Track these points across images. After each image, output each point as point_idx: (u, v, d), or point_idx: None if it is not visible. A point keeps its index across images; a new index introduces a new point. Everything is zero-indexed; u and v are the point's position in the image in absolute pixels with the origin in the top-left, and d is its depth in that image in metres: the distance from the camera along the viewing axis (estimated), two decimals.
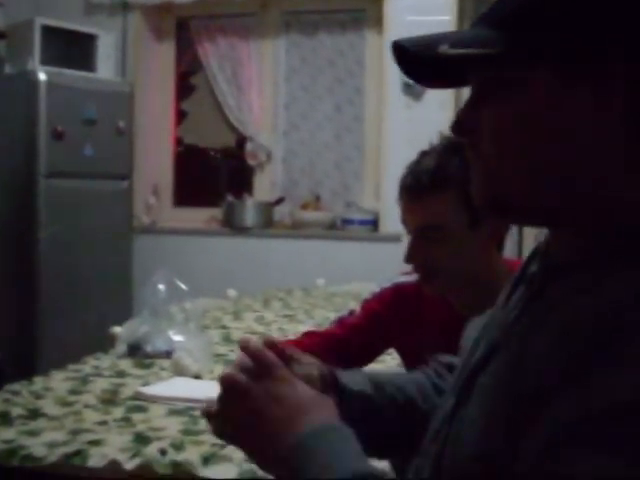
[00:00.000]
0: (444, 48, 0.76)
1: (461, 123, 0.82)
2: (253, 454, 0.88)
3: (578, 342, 0.66)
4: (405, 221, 1.66)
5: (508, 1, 0.78)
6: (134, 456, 1.45)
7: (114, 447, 1.49)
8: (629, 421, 0.60)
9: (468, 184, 1.53)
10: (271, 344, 0.93)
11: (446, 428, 0.85)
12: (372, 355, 1.98)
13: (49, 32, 4.37)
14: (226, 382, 0.88)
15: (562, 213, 0.78)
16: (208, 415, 0.93)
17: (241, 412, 0.87)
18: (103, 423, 1.65)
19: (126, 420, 1.67)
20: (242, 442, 0.88)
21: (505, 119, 0.77)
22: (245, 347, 0.89)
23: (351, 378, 1.06)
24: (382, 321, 1.88)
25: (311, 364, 1.00)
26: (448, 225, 1.59)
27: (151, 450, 1.48)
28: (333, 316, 2.49)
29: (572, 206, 0.77)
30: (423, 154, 1.66)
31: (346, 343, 1.91)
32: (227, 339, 2.57)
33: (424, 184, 1.60)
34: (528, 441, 0.66)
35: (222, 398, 0.89)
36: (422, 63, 0.82)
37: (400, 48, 0.81)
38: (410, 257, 1.64)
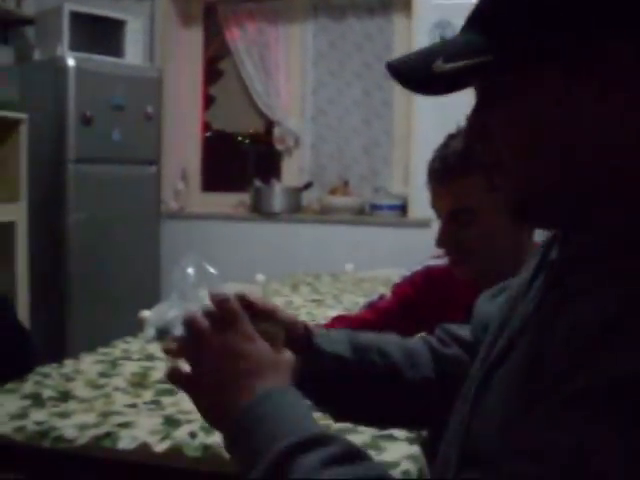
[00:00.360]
0: (438, 64, 0.75)
1: (472, 130, 0.82)
2: (201, 406, 0.87)
3: (587, 339, 0.64)
4: (435, 205, 1.65)
5: (494, 2, 0.77)
6: (164, 439, 1.45)
7: (144, 430, 1.49)
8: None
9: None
10: (242, 297, 0.92)
11: (467, 418, 0.83)
12: (405, 336, 1.96)
13: (77, 18, 4.38)
14: (189, 324, 0.88)
15: (580, 211, 0.77)
16: (167, 352, 0.91)
17: (198, 359, 0.87)
18: (133, 406, 1.65)
19: (156, 403, 1.67)
20: (193, 391, 0.88)
21: (510, 122, 0.77)
22: (214, 296, 0.89)
23: (327, 338, 1.04)
24: (413, 304, 1.87)
25: (282, 321, 0.97)
26: (479, 207, 1.57)
27: (181, 433, 1.47)
28: (362, 301, 2.48)
29: (589, 203, 0.75)
30: (450, 137, 1.64)
31: (377, 327, 1.89)
32: None
33: (452, 167, 1.58)
34: None
35: (183, 340, 0.89)
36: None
37: (396, 68, 0.79)
38: (441, 241, 1.62)
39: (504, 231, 1.59)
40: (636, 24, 0.70)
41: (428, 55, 0.76)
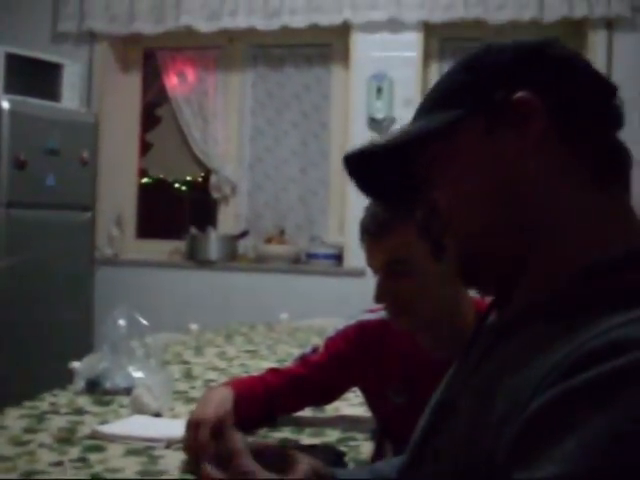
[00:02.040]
0: (377, 142, 0.89)
1: (426, 208, 0.88)
2: None
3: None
4: (370, 261, 1.66)
5: (431, 92, 0.90)
6: None
7: None
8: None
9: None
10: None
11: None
12: (335, 394, 1.96)
13: (14, 60, 4.33)
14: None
15: (528, 257, 0.80)
16: None
17: None
18: (58, 464, 1.60)
19: (82, 460, 1.62)
20: None
21: (450, 183, 0.84)
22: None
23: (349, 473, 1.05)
24: (345, 359, 1.87)
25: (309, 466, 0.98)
26: (414, 257, 1.58)
27: None
28: (296, 352, 2.47)
29: (536, 246, 0.79)
30: None
31: (309, 382, 1.89)
32: (188, 375, 2.53)
33: (383, 222, 1.60)
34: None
35: None
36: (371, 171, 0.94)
37: (351, 159, 0.93)
38: (380, 296, 1.62)
39: (441, 279, 1.60)
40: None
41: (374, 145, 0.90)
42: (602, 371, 0.62)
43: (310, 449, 1.61)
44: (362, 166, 0.93)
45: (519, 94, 0.79)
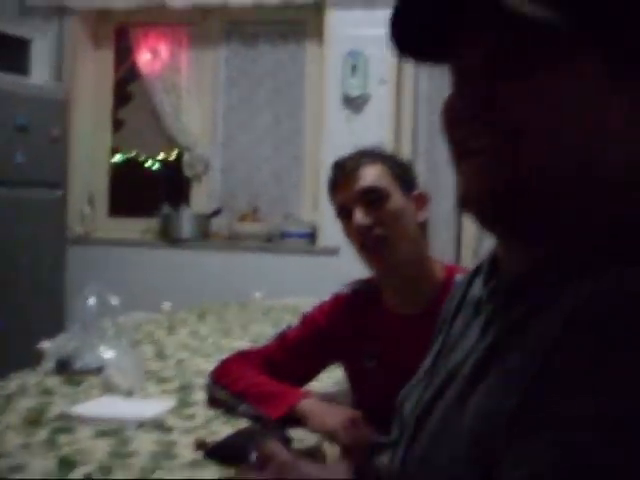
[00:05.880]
0: (516, 2, 0.67)
1: (478, 99, 0.72)
2: None
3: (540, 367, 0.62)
4: (346, 196, 1.76)
5: None
6: None
7: (36, 473, 1.42)
8: None
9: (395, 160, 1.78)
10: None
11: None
12: (315, 370, 1.95)
13: None
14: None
15: (567, 207, 0.72)
16: None
17: None
18: (26, 446, 1.57)
19: (51, 442, 1.59)
20: None
21: (545, 103, 0.69)
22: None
23: None
24: (324, 332, 1.87)
25: None
26: (387, 188, 1.74)
27: (76, 476, 1.41)
28: (270, 331, 2.45)
29: (580, 194, 0.71)
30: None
31: (287, 359, 1.88)
32: (160, 355, 2.50)
33: (357, 157, 1.78)
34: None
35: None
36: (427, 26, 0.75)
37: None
38: (361, 224, 1.72)
39: (412, 215, 1.77)
40: None
41: None
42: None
43: (263, 431, 1.60)
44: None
45: None
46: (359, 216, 1.72)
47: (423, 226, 1.80)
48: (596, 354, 0.58)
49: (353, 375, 1.92)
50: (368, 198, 1.73)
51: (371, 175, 1.75)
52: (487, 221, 0.76)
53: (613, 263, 0.64)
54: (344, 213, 1.78)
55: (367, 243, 1.74)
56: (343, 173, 1.77)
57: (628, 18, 0.69)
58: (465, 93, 0.74)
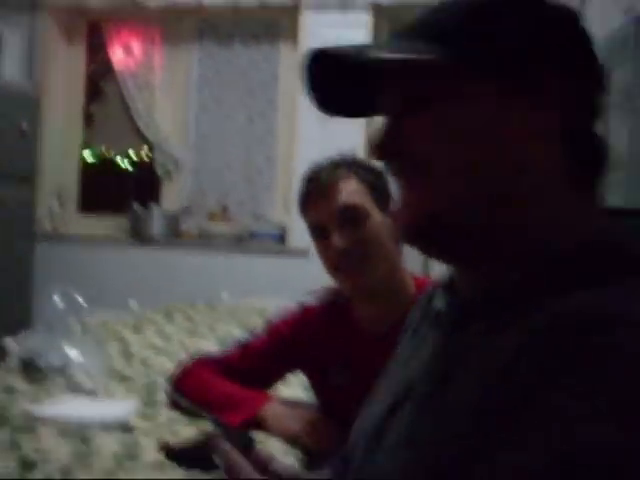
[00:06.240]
0: (379, 53, 0.72)
1: (386, 145, 0.77)
2: None
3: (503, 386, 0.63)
4: (320, 216, 1.65)
5: (442, 17, 0.75)
6: None
7: None
8: None
9: (371, 172, 1.64)
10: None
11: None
12: (275, 379, 1.93)
13: None
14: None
15: (493, 233, 0.74)
16: None
17: None
18: None
19: (11, 442, 1.58)
20: None
21: (441, 133, 0.73)
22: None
23: None
24: (288, 345, 1.84)
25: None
26: (365, 206, 1.63)
27: (36, 477, 1.40)
28: (236, 332, 2.45)
29: (504, 224, 0.73)
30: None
31: (247, 368, 1.86)
32: (125, 354, 2.49)
33: (331, 169, 1.66)
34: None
35: None
36: (337, 80, 0.81)
37: (318, 58, 0.78)
38: (340, 247, 1.61)
39: (389, 232, 1.64)
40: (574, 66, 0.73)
41: (365, 48, 0.74)
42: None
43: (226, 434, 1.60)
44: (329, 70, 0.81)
45: (549, 73, 0.72)
46: (337, 239, 1.61)
47: (398, 239, 1.72)
48: (553, 375, 0.59)
49: (318, 388, 1.90)
50: (345, 217, 1.62)
51: (348, 192, 1.63)
52: (425, 252, 0.78)
53: (553, 288, 0.66)
54: (318, 232, 1.67)
55: (343, 266, 1.65)
56: (317, 188, 1.65)
57: (500, 43, 0.72)
58: (381, 130, 0.78)
